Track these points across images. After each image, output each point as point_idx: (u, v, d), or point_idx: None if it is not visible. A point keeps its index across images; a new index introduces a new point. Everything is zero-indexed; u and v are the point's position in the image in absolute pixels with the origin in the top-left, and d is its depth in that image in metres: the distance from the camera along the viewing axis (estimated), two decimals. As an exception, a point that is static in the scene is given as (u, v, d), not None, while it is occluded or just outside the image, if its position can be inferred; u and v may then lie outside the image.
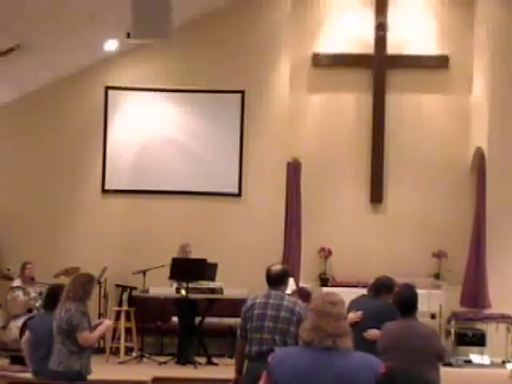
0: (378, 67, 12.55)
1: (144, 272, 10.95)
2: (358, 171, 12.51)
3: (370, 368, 3.43)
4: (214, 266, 10.74)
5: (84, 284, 6.55)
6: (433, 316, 10.99)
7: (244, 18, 12.24)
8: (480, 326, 11.42)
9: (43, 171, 12.18)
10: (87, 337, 6.40)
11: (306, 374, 3.41)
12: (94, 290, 6.79)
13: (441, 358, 5.96)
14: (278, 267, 6.13)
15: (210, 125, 12.27)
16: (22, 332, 10.32)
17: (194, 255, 10.83)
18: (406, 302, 6.03)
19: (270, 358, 3.56)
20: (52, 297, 6.93)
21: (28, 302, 10.73)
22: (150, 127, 12.27)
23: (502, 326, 11.23)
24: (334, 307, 3.53)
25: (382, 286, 6.91)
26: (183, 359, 10.19)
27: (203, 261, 10.41)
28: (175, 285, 10.53)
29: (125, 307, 10.75)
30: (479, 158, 11.97)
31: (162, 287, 10.63)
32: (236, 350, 6.18)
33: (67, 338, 6.33)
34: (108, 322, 6.82)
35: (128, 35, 9.30)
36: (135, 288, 11.28)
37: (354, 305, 6.93)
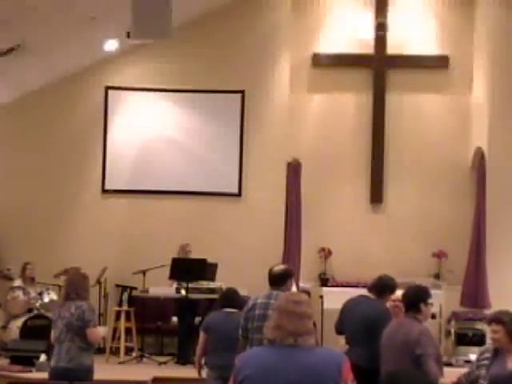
0: (378, 67, 12.54)
1: (144, 272, 10.95)
2: (358, 171, 12.50)
3: (335, 362, 3.48)
4: (214, 266, 10.75)
5: (81, 281, 6.73)
6: (433, 316, 10.92)
7: (244, 18, 12.23)
8: (480, 326, 11.38)
9: (43, 171, 12.18)
10: (98, 332, 6.65)
11: (272, 370, 3.45)
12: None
13: (416, 354, 5.64)
14: (280, 267, 6.14)
15: (209, 125, 12.26)
16: (22, 332, 10.34)
17: (194, 255, 10.84)
18: (407, 302, 6.04)
19: (236, 360, 3.61)
20: (231, 298, 7.38)
21: (28, 302, 10.73)
22: (150, 127, 12.27)
23: (502, 326, 11.21)
24: (297, 306, 3.56)
25: (386, 287, 6.85)
26: (183, 359, 10.20)
27: (203, 261, 10.42)
28: (175, 285, 10.55)
29: (125, 307, 10.75)
30: (479, 158, 11.96)
31: (162, 287, 10.64)
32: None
33: (77, 334, 6.48)
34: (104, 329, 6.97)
35: (128, 35, 9.31)
36: (135, 288, 11.29)
37: (349, 306, 6.94)
